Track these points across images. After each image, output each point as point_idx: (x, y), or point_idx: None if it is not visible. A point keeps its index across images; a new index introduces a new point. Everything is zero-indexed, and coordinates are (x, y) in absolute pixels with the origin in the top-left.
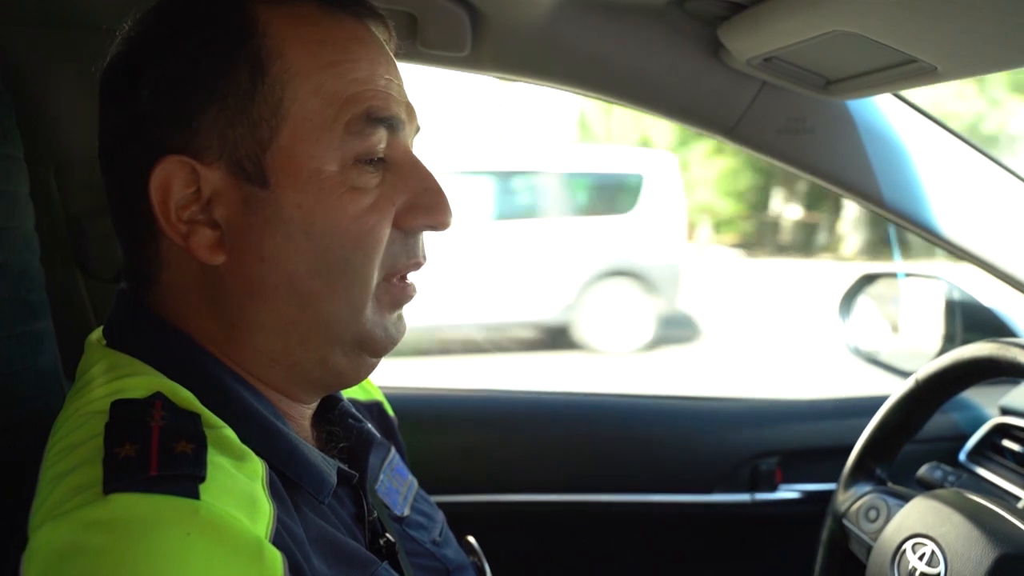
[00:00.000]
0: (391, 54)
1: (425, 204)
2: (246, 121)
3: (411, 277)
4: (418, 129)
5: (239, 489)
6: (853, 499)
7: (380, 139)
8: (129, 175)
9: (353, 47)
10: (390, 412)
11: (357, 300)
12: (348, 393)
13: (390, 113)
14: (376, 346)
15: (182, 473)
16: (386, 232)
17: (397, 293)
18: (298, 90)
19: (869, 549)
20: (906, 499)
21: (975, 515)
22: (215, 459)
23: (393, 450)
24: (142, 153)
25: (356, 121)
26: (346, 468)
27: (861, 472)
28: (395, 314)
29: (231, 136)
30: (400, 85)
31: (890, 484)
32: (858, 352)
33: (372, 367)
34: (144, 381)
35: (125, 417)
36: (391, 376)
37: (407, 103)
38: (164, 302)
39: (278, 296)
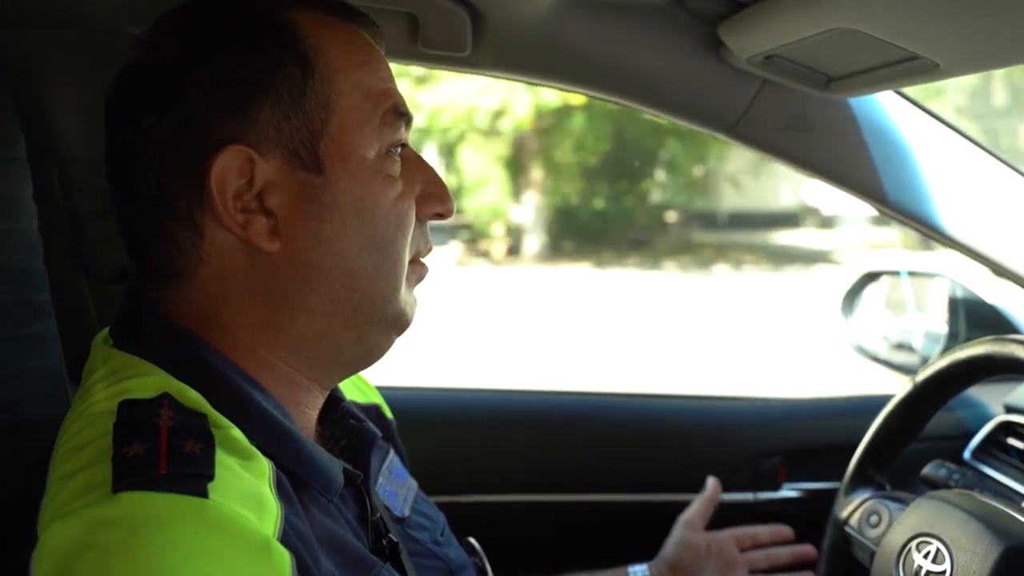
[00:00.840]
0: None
1: (435, 193)
2: (300, 113)
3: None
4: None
5: (247, 489)
6: (854, 505)
7: (405, 132)
8: (172, 170)
9: (371, 50)
10: (388, 415)
11: (397, 279)
12: (348, 396)
13: (409, 109)
14: (404, 322)
15: (191, 472)
16: (414, 217)
17: (420, 273)
18: (342, 84)
19: (872, 554)
20: (908, 503)
21: (979, 512)
22: (223, 459)
23: (392, 452)
24: (193, 149)
25: (389, 114)
26: (350, 468)
27: (862, 478)
28: (414, 294)
29: (286, 128)
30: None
31: (890, 488)
32: (861, 350)
33: (392, 345)
34: (151, 381)
35: (133, 417)
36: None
37: None
38: (191, 297)
39: (332, 278)
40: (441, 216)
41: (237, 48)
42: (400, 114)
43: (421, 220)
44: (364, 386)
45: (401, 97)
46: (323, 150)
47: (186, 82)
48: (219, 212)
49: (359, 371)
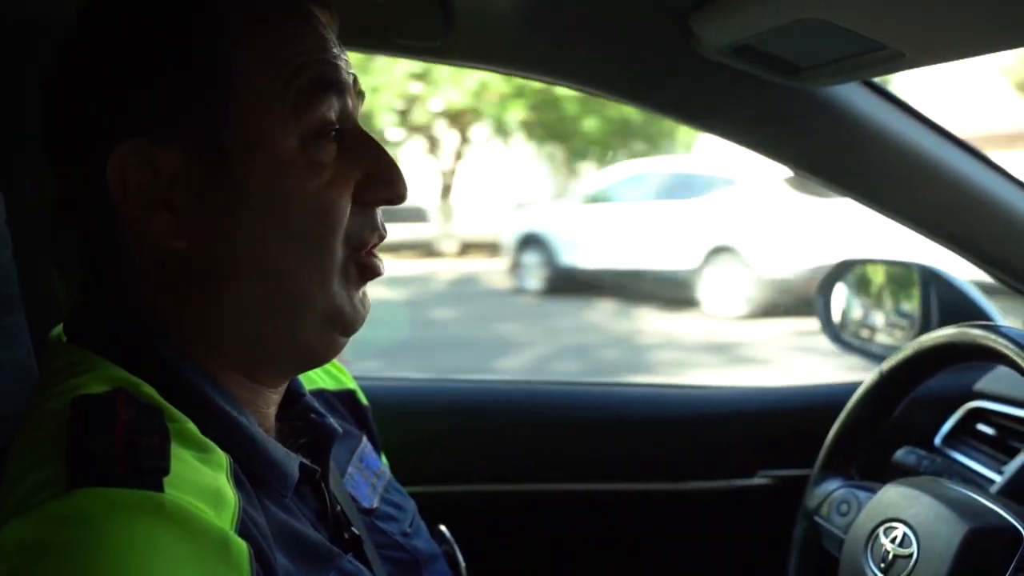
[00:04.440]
0: (334, 35)
1: (382, 178)
2: (200, 100)
3: (377, 252)
4: (362, 101)
5: (203, 482)
6: (824, 496)
7: (330, 107)
8: (82, 164)
9: (297, 23)
10: (363, 400)
11: (325, 275)
12: (318, 383)
13: (338, 78)
14: (345, 321)
15: (146, 467)
16: (347, 206)
17: (364, 267)
18: (249, 67)
19: (841, 543)
20: (876, 491)
21: (944, 496)
22: (178, 453)
23: (364, 440)
24: (95, 141)
25: (305, 90)
26: (308, 463)
27: (831, 468)
28: (361, 290)
29: (187, 117)
30: (346, 60)
31: (859, 478)
32: (836, 339)
33: (341, 346)
34: (105, 376)
35: (87, 412)
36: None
37: (353, 75)
38: (126, 294)
39: (246, 274)
40: (389, 202)
41: (138, 33)
42: (323, 85)
43: (365, 206)
44: (336, 371)
45: (330, 67)
46: (227, 139)
47: (85, 70)
48: (119, 209)
49: (305, 371)
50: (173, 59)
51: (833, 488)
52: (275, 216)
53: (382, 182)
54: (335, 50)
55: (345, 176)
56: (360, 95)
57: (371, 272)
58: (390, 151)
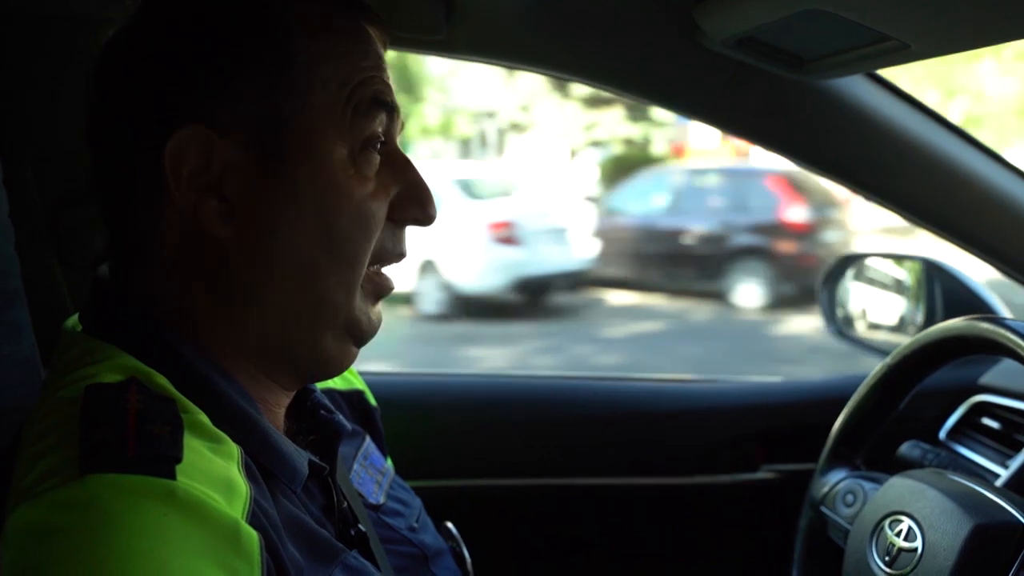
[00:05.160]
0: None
1: (416, 198)
2: (267, 98)
3: (389, 271)
4: (402, 127)
5: (215, 471)
6: (830, 486)
7: (380, 123)
8: (137, 146)
9: (360, 41)
10: (372, 401)
11: (351, 283)
12: (328, 383)
13: (391, 98)
14: (361, 332)
15: (158, 454)
16: (383, 219)
17: (379, 283)
18: (316, 73)
19: (847, 534)
20: (882, 483)
21: (950, 490)
22: (191, 442)
23: (368, 439)
24: (156, 123)
25: (364, 104)
26: (316, 460)
27: (837, 458)
28: (376, 305)
29: (251, 111)
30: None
31: (865, 469)
32: (839, 333)
33: (354, 356)
34: (118, 366)
35: (100, 401)
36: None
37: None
38: (155, 282)
39: (282, 270)
40: (419, 223)
41: (212, 25)
42: (379, 103)
43: (396, 223)
44: (347, 371)
45: (385, 86)
46: (289, 139)
47: (155, 55)
48: (172, 191)
49: (318, 380)
50: (245, 52)
51: (839, 478)
52: (319, 218)
53: (416, 202)
54: (386, 71)
55: (384, 191)
56: (402, 124)
57: (386, 289)
58: (425, 175)
